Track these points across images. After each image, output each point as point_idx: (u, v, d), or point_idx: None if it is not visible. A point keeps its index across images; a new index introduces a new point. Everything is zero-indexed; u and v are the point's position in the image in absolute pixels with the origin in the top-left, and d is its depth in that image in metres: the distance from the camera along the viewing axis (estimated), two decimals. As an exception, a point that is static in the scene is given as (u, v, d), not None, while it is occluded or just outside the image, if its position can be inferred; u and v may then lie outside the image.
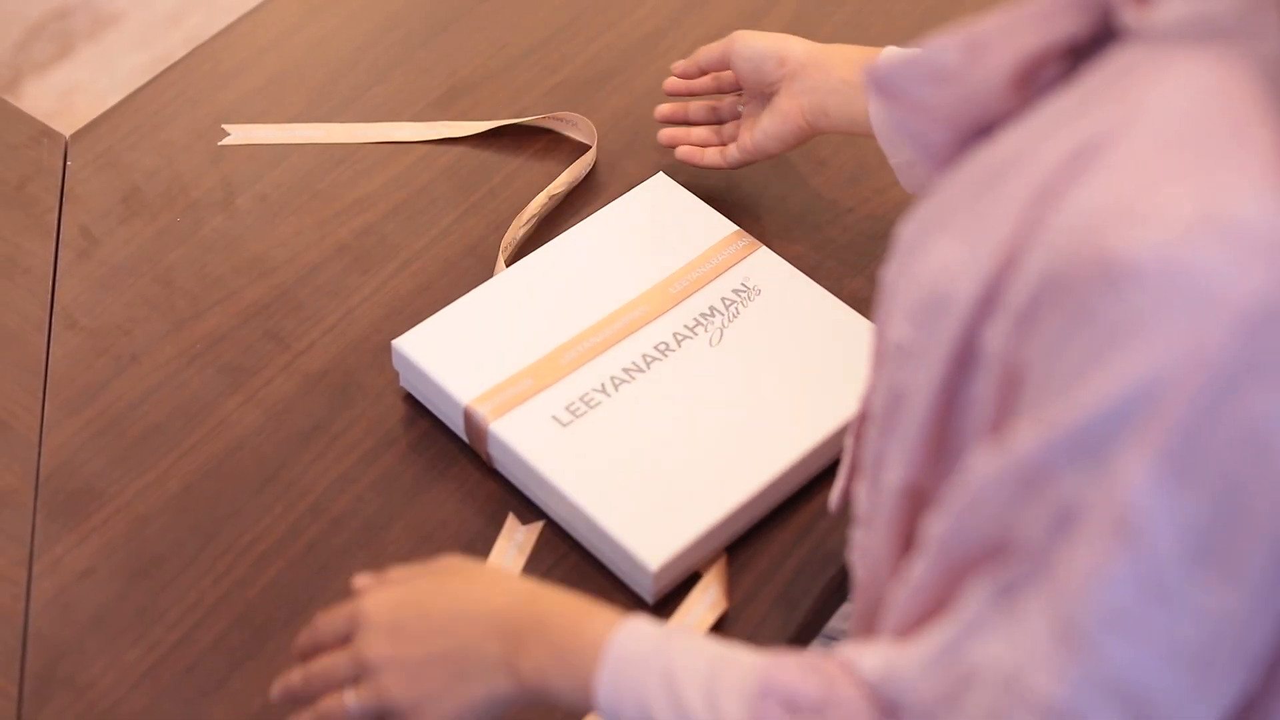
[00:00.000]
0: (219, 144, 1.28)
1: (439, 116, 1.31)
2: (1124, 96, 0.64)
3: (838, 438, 1.05)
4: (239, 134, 1.29)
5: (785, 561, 1.04)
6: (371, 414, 1.11)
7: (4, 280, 1.19)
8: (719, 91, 1.23)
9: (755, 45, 1.16)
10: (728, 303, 1.12)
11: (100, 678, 0.98)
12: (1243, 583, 0.62)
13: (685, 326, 1.10)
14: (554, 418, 1.05)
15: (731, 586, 1.03)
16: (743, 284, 1.13)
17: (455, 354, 1.08)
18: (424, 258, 1.20)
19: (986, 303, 0.66)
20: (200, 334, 1.16)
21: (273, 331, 1.16)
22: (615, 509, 1.01)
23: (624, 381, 1.07)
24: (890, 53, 1.10)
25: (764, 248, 1.16)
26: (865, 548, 0.79)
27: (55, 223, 1.23)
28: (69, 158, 1.28)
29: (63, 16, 2.60)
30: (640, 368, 1.08)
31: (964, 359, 0.68)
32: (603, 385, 1.07)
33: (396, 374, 1.12)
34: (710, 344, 1.09)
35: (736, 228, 1.17)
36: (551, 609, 0.79)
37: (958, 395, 0.69)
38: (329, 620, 0.84)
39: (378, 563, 1.03)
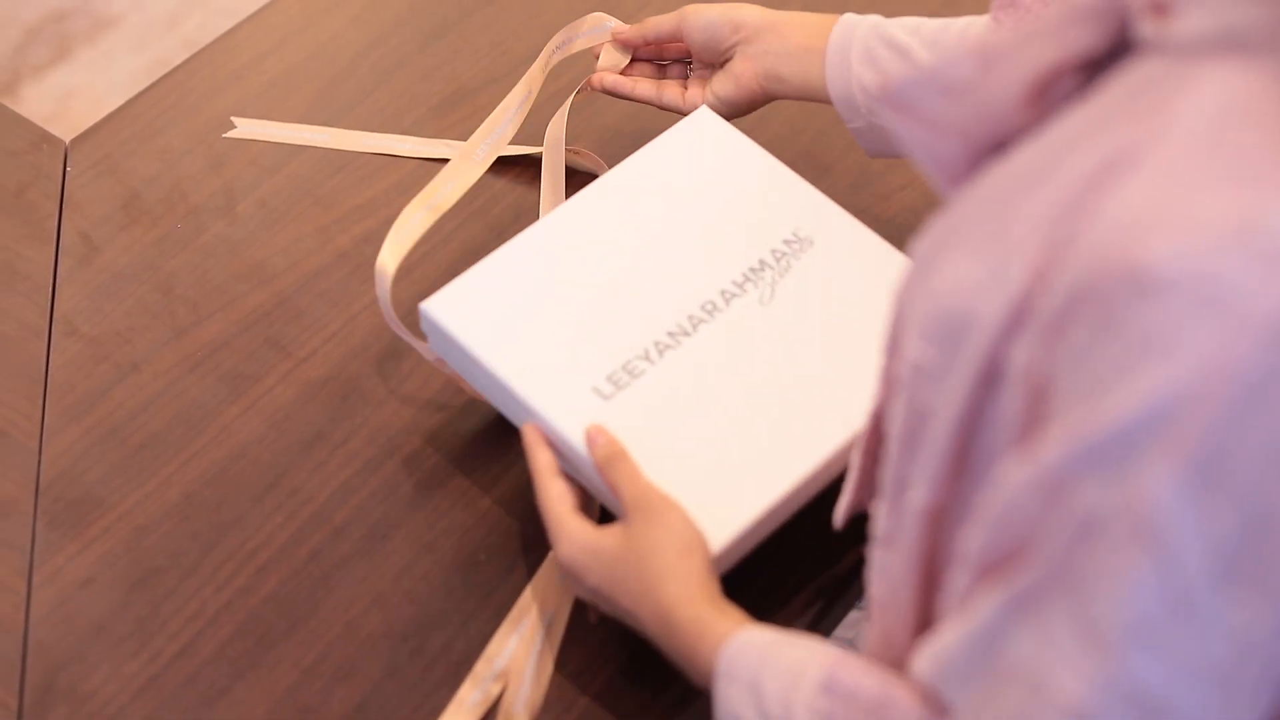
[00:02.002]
0: (224, 135, 1.28)
1: (439, 122, 1.31)
2: (1152, 110, 0.64)
3: None
4: (244, 128, 1.29)
5: (789, 577, 1.03)
6: (373, 422, 1.10)
7: (3, 287, 1.19)
8: (661, 60, 1.23)
9: (708, 14, 1.16)
10: (778, 255, 1.04)
11: (101, 688, 0.98)
12: (1272, 599, 0.61)
13: (733, 283, 1.03)
14: (595, 389, 0.97)
15: (736, 602, 1.02)
16: (794, 234, 1.06)
17: (489, 321, 1.00)
18: (426, 264, 1.20)
19: (1014, 321, 0.65)
20: (201, 341, 1.15)
21: (274, 339, 1.15)
22: (668, 487, 0.94)
23: (669, 347, 0.99)
24: (848, 20, 1.12)
25: (814, 190, 1.09)
26: (884, 567, 0.78)
27: (55, 229, 1.23)
28: (69, 164, 1.27)
29: (60, 19, 2.60)
30: (686, 330, 1.00)
31: (989, 378, 0.67)
32: (646, 352, 0.99)
33: (398, 381, 1.11)
34: (761, 302, 1.02)
35: (778, 162, 1.11)
36: (676, 630, 0.89)
37: (982, 415, 0.69)
38: (544, 497, 0.96)
39: (380, 572, 1.03)
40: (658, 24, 1.19)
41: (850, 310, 1.03)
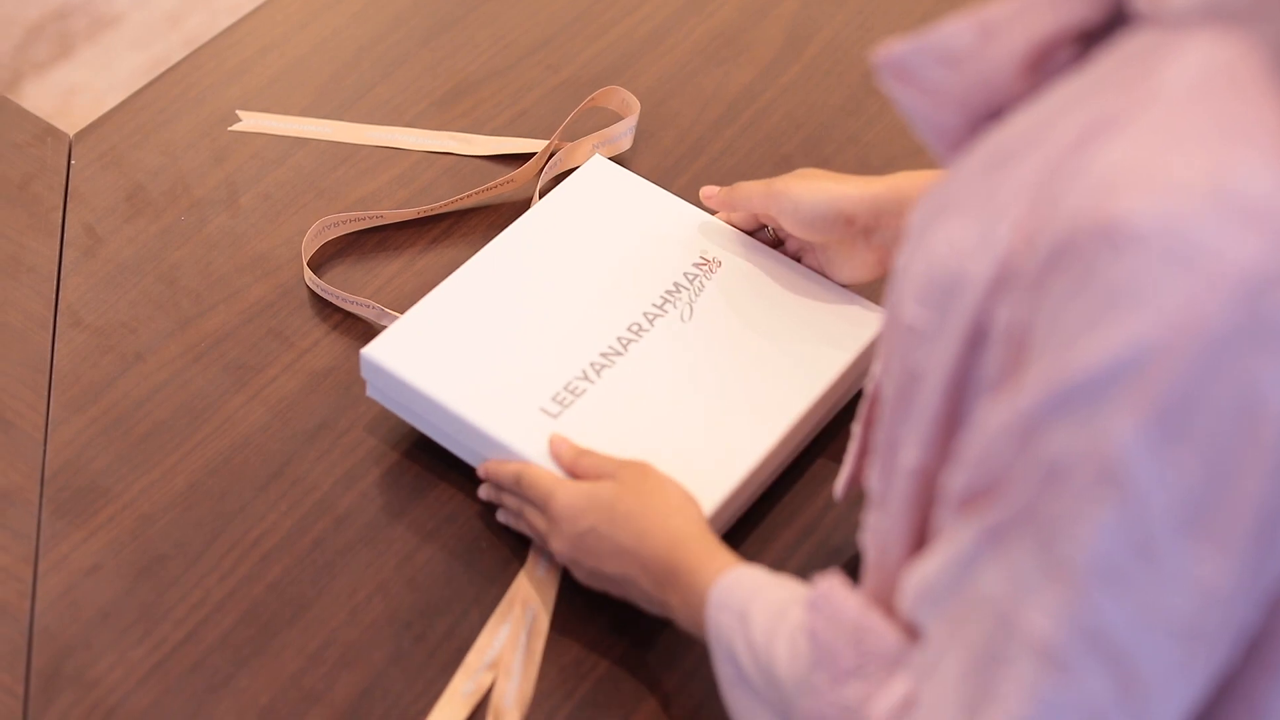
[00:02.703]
0: (229, 128, 1.29)
1: (442, 115, 1.31)
2: (1138, 78, 0.65)
3: (835, 389, 1.06)
4: (249, 121, 1.30)
5: (790, 559, 1.04)
6: (376, 411, 1.11)
7: (9, 279, 1.20)
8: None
9: (811, 205, 1.06)
10: (690, 277, 1.11)
11: (106, 675, 0.98)
12: (1231, 553, 0.63)
13: (653, 305, 1.09)
14: (542, 410, 1.03)
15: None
16: (701, 257, 1.12)
17: (430, 360, 1.05)
18: (427, 256, 1.21)
19: (1000, 281, 0.67)
20: (205, 332, 1.16)
21: (277, 330, 1.16)
22: None
23: (605, 366, 1.05)
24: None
25: (713, 218, 1.15)
26: (877, 529, 0.80)
27: (59, 221, 1.23)
28: (73, 156, 1.28)
29: (62, 17, 2.61)
30: (618, 350, 1.06)
31: (976, 338, 0.69)
32: (584, 372, 1.05)
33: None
34: (682, 319, 1.09)
35: (676, 197, 1.16)
36: (682, 561, 0.92)
37: (970, 375, 0.70)
38: (514, 480, 1.00)
39: (383, 560, 1.03)
40: (747, 198, 1.11)
41: (764, 315, 1.09)
